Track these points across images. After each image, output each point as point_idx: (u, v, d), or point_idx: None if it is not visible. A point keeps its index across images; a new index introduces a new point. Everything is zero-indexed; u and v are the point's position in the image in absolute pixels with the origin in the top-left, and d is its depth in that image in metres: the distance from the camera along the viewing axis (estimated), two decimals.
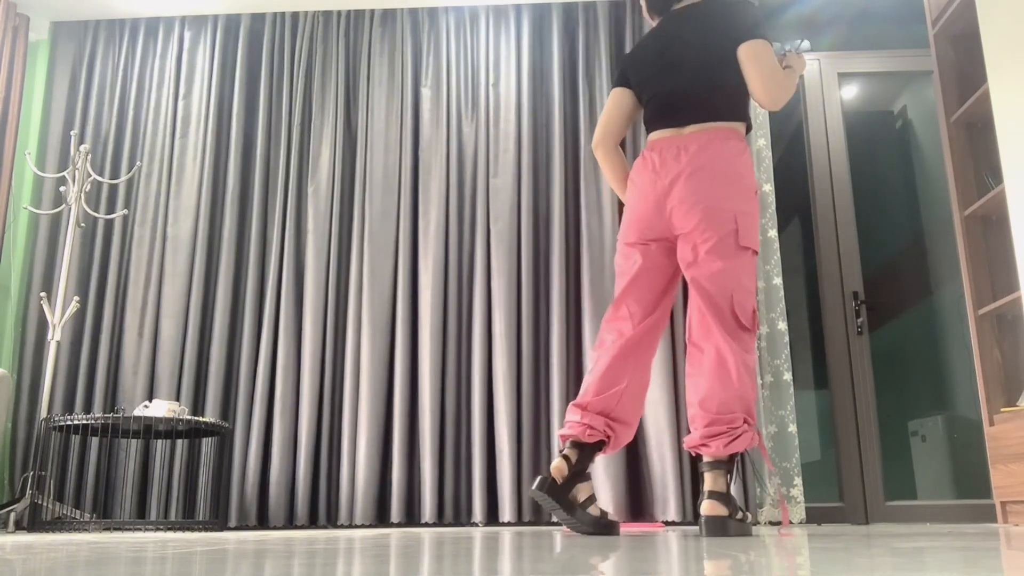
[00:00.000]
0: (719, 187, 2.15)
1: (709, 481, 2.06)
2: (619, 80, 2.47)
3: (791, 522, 3.52)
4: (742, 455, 3.51)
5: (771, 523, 3.54)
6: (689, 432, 2.30)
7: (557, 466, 2.14)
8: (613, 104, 2.46)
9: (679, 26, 2.35)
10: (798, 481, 3.56)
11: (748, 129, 2.30)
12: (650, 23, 2.62)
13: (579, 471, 2.16)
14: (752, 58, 2.20)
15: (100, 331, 3.89)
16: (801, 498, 3.55)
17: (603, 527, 2.17)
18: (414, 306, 3.85)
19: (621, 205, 3.87)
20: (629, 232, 2.30)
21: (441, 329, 3.78)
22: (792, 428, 3.63)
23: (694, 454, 2.13)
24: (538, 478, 2.16)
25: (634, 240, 2.29)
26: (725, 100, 2.24)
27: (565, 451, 2.19)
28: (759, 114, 3.98)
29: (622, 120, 2.45)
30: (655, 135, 2.30)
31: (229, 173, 4.04)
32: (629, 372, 2.22)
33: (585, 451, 2.18)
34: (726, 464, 2.07)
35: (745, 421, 2.07)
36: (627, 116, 2.45)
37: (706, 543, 1.68)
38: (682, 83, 2.27)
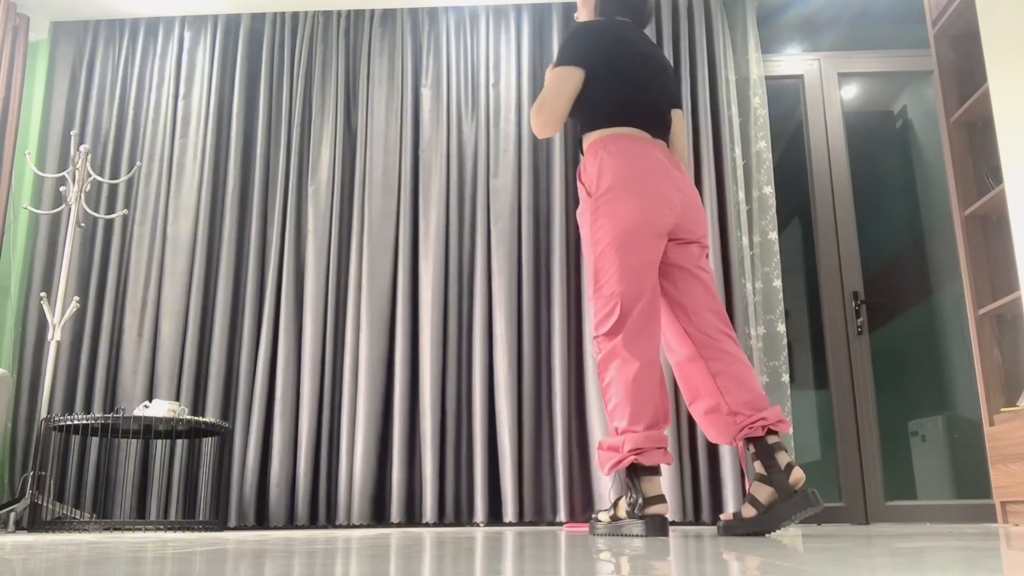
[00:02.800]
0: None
1: (785, 456, 2.07)
2: (586, 61, 2.35)
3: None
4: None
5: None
6: (707, 426, 2.27)
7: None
8: (574, 86, 2.34)
9: (646, 44, 2.46)
10: None
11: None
12: (586, 17, 2.55)
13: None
14: (683, 127, 2.47)
15: (100, 331, 3.89)
16: None
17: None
18: (414, 306, 3.85)
19: None
20: (658, 223, 2.26)
21: (441, 329, 3.78)
22: (789, 431, 3.62)
23: (766, 432, 2.09)
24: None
25: (661, 232, 2.28)
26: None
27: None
28: (759, 115, 3.98)
29: (570, 103, 2.36)
30: (632, 131, 2.30)
31: (229, 173, 4.04)
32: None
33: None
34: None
35: None
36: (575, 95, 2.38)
37: (707, 543, 1.68)
38: (664, 99, 2.41)
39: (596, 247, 2.26)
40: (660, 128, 2.35)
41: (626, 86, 2.34)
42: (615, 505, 2.27)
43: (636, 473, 2.15)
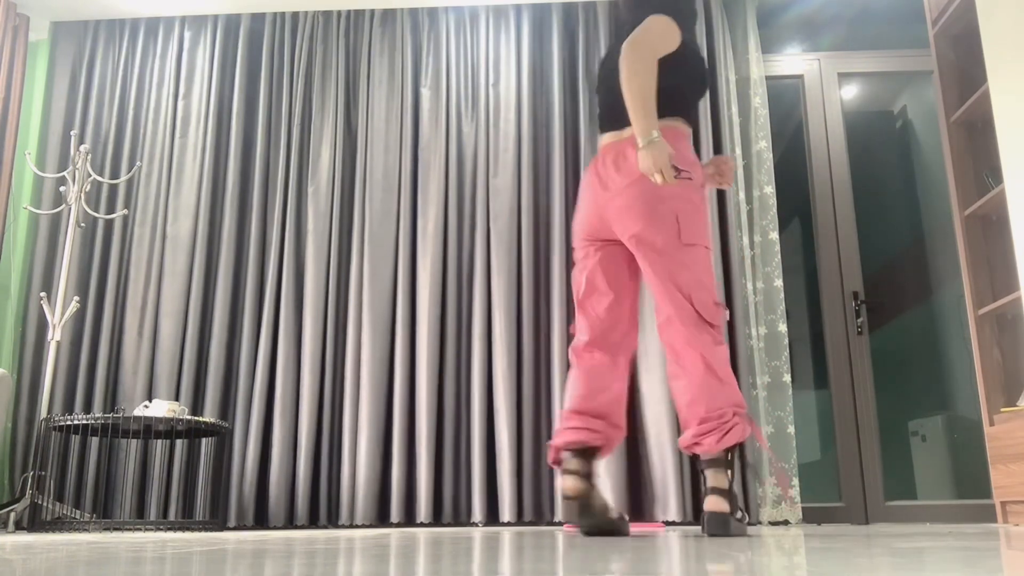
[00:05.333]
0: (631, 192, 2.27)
1: (710, 478, 2.07)
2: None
3: (787, 522, 3.52)
4: (741, 452, 3.51)
5: (772, 523, 3.54)
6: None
7: (573, 486, 2.11)
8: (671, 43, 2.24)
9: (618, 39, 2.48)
10: (796, 482, 3.56)
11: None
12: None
13: (591, 478, 2.16)
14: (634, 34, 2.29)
15: (100, 331, 3.89)
16: (798, 498, 3.55)
17: (623, 526, 2.18)
18: (414, 306, 3.85)
19: None
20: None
21: (441, 329, 3.78)
22: (790, 429, 3.63)
23: (689, 454, 2.14)
24: (572, 507, 2.10)
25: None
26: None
27: (568, 465, 2.16)
28: (759, 115, 3.98)
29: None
30: (603, 138, 2.37)
31: (229, 173, 4.04)
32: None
33: (588, 455, 2.18)
34: (724, 460, 2.08)
35: (735, 413, 2.07)
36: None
37: (707, 543, 1.68)
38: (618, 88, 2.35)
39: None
40: (613, 121, 2.32)
41: (600, 98, 2.42)
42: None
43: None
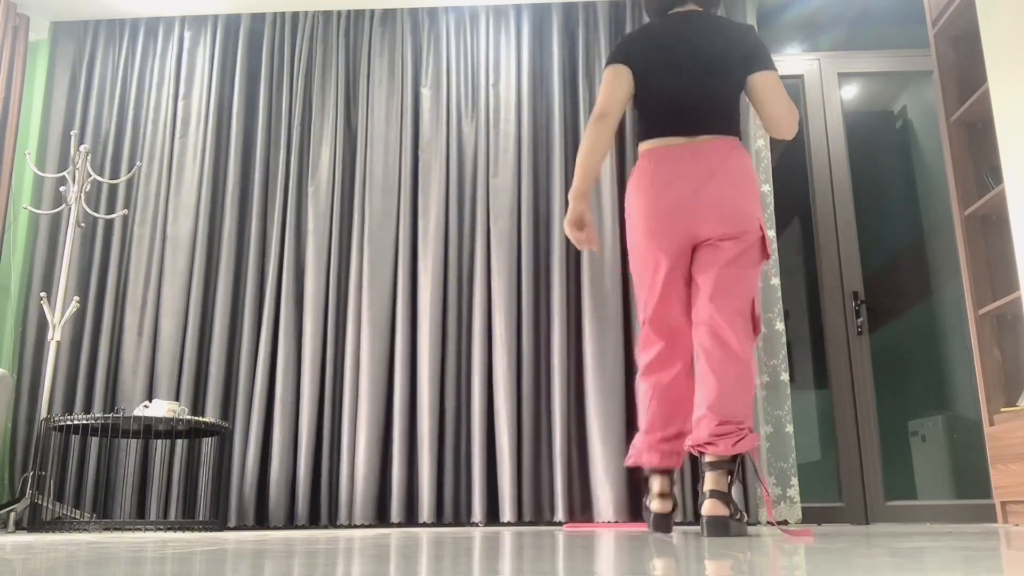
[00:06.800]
0: (747, 195, 2.21)
1: (711, 480, 2.06)
2: (623, 58, 2.35)
3: (786, 521, 3.52)
4: (743, 458, 3.51)
5: (771, 523, 3.54)
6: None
7: (666, 506, 2.29)
8: (621, 80, 2.33)
9: (693, 33, 2.34)
10: (795, 481, 3.56)
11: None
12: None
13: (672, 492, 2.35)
14: (775, 87, 2.27)
15: (100, 331, 3.89)
16: (797, 498, 3.55)
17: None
18: (414, 306, 3.85)
19: (622, 204, 3.86)
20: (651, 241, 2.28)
21: (441, 329, 3.78)
22: (789, 428, 3.62)
23: (697, 453, 2.13)
24: (663, 522, 2.29)
25: (656, 249, 2.28)
26: (733, 115, 2.29)
27: (663, 488, 2.29)
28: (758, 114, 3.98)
29: (626, 98, 2.35)
30: (663, 141, 2.27)
31: (229, 173, 4.04)
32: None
33: (672, 473, 2.35)
34: (729, 464, 2.07)
35: (749, 426, 2.11)
36: (629, 95, 2.36)
37: (707, 543, 1.68)
38: (694, 89, 2.27)
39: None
40: (694, 127, 2.26)
41: (658, 98, 2.31)
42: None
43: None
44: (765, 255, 2.22)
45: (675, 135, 2.26)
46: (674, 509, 2.30)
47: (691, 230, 2.22)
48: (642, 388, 2.35)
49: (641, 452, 2.32)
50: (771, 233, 3.83)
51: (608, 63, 2.37)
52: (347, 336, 3.79)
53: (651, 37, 2.36)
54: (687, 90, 2.28)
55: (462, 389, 3.75)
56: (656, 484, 2.29)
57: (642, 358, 2.36)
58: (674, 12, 2.40)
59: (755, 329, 2.20)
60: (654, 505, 2.28)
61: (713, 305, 2.17)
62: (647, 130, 2.33)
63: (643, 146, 2.33)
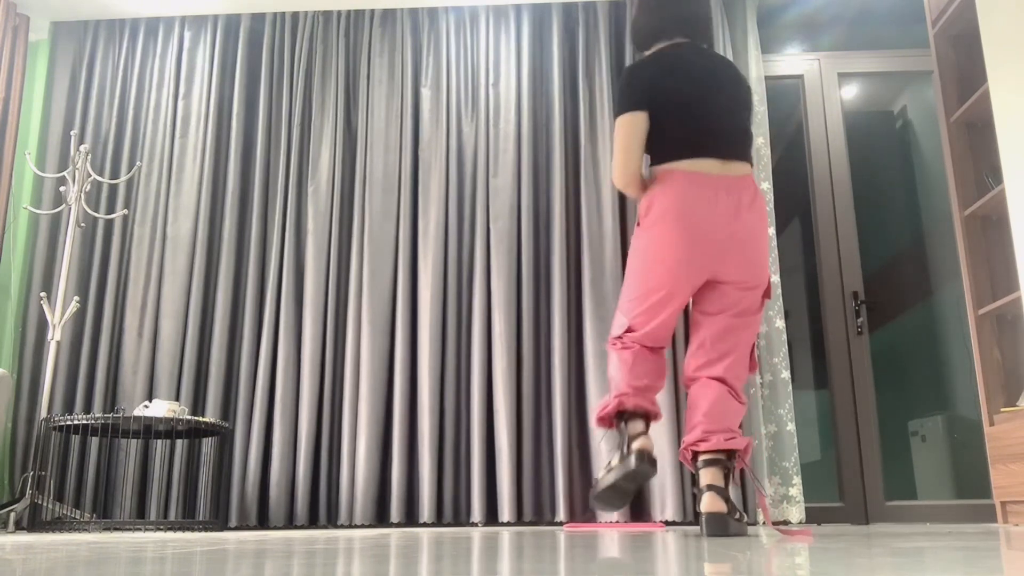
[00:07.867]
0: (765, 245, 2.30)
1: (708, 476, 2.10)
2: (641, 103, 2.28)
3: (787, 521, 3.52)
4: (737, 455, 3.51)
5: (773, 523, 3.54)
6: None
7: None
8: (640, 132, 2.28)
9: (706, 62, 2.33)
10: (797, 480, 3.56)
11: None
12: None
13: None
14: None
15: (100, 331, 3.89)
16: (800, 498, 3.55)
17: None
18: (414, 306, 3.85)
19: (622, 204, 3.86)
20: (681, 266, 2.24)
21: (441, 329, 3.78)
22: (791, 427, 3.62)
23: (690, 454, 2.19)
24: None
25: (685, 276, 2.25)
26: (751, 141, 2.36)
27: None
28: (757, 112, 3.98)
29: (643, 150, 2.32)
30: (697, 164, 2.23)
31: (229, 173, 4.04)
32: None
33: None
34: (724, 461, 2.11)
35: (738, 433, 2.24)
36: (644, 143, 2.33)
37: (706, 543, 1.68)
38: (723, 112, 2.30)
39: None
40: (726, 150, 2.26)
41: (685, 120, 2.27)
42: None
43: None
44: (768, 296, 2.34)
45: (708, 156, 2.23)
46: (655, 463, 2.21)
47: (714, 268, 2.24)
48: (613, 357, 2.30)
49: (609, 401, 2.21)
50: (770, 231, 3.83)
51: (624, 110, 2.29)
52: (347, 336, 3.79)
53: (666, 66, 2.31)
54: (715, 114, 2.27)
55: (462, 389, 3.75)
56: (634, 427, 2.16)
57: (618, 342, 2.30)
58: (673, 43, 2.38)
59: (752, 368, 2.30)
60: (636, 444, 2.11)
61: (715, 352, 2.25)
62: (678, 152, 2.25)
63: (671, 165, 2.25)
